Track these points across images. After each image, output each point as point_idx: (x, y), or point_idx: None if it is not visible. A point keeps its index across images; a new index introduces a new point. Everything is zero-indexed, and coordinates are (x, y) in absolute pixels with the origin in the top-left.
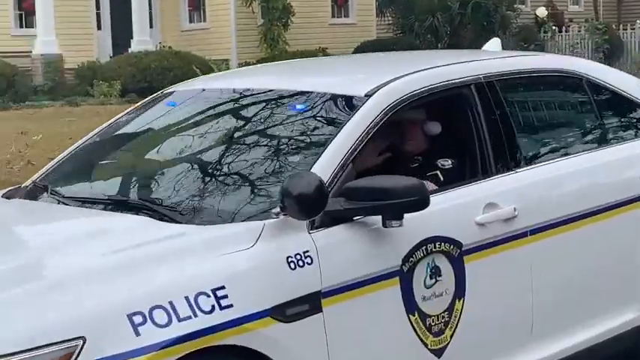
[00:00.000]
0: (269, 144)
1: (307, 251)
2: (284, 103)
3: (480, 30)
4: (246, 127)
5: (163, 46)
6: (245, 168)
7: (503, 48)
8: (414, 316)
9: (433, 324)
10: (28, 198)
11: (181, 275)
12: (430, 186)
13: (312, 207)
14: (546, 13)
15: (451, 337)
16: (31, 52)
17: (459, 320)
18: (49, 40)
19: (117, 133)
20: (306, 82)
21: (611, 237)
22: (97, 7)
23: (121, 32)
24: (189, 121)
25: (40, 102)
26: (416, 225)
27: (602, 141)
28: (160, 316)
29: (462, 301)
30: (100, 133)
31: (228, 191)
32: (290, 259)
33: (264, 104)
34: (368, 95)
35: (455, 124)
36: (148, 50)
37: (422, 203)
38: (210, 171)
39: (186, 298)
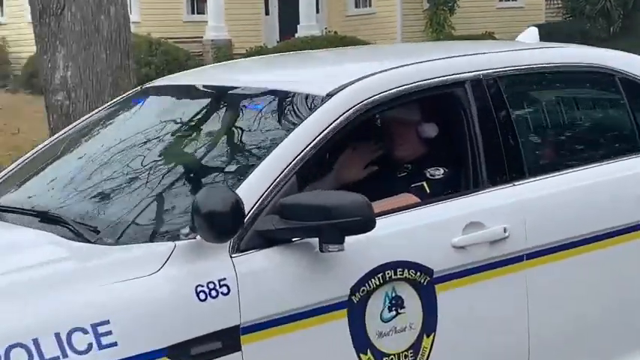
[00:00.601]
0: (207, 150)
1: (224, 279)
2: (242, 102)
3: None
4: (189, 130)
5: (329, 32)
6: (174, 178)
7: None
8: (366, 355)
9: None
10: None
11: (56, 307)
12: (411, 199)
13: (225, 228)
14: None
15: None
16: (202, 37)
17: None
18: (219, 26)
19: (75, 133)
20: (272, 78)
21: (631, 265)
22: None
23: (288, 17)
24: (134, 123)
25: None
26: (371, 248)
27: (631, 149)
28: (19, 358)
29: (431, 337)
30: (65, 132)
31: (147, 205)
32: (200, 289)
33: (219, 104)
34: (330, 95)
35: (446, 128)
36: (314, 35)
37: (365, 225)
38: (132, 181)
39: (57, 334)
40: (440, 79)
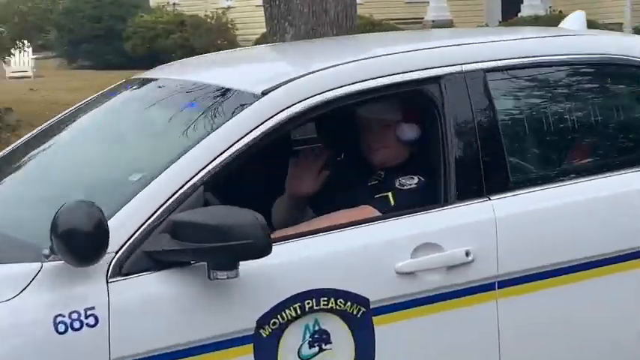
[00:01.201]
0: (114, 154)
1: (91, 307)
2: (168, 98)
3: None
4: (106, 131)
5: (553, 11)
6: (66, 188)
7: None
8: None
9: None
10: None
11: None
12: (368, 213)
13: (86, 250)
14: None
15: None
16: (422, 18)
17: None
18: (441, 6)
19: (49, 128)
20: (222, 73)
21: (629, 299)
22: None
23: None
24: (80, 119)
25: None
26: (286, 273)
27: None
28: None
29: None
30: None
31: (32, 218)
32: (59, 319)
33: (141, 99)
34: (265, 93)
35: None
36: (537, 15)
37: (259, 250)
38: (30, 190)
39: None
40: (421, 72)
